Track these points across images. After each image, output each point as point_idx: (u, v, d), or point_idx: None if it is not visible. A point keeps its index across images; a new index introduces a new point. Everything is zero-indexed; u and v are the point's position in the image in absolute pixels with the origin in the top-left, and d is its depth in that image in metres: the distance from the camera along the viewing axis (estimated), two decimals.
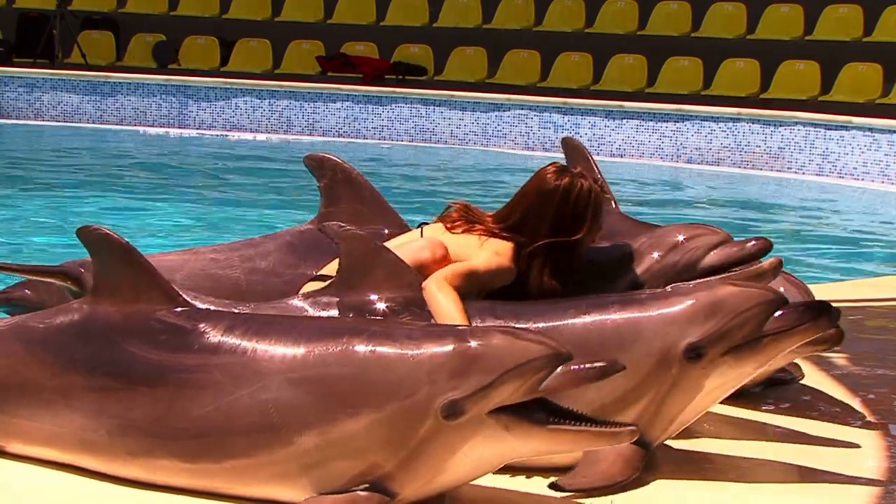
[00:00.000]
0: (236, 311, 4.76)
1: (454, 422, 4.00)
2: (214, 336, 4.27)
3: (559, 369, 3.99)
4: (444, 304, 4.60)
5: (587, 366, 4.00)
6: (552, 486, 4.47)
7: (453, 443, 4.03)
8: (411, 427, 4.03)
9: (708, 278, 5.06)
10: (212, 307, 4.78)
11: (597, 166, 6.07)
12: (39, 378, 4.46)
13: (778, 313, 4.51)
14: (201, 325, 4.31)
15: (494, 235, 4.97)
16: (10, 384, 4.51)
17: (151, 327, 4.36)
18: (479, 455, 4.06)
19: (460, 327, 4.25)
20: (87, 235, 4.46)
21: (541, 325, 4.61)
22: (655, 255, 5.22)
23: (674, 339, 4.52)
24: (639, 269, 5.21)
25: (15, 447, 4.58)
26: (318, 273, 5.08)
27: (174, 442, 4.25)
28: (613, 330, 4.57)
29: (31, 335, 4.54)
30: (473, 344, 4.05)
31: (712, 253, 5.18)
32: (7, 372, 4.53)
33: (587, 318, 4.61)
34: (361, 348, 4.12)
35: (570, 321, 4.62)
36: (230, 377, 4.19)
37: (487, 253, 4.91)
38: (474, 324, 4.58)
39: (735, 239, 5.27)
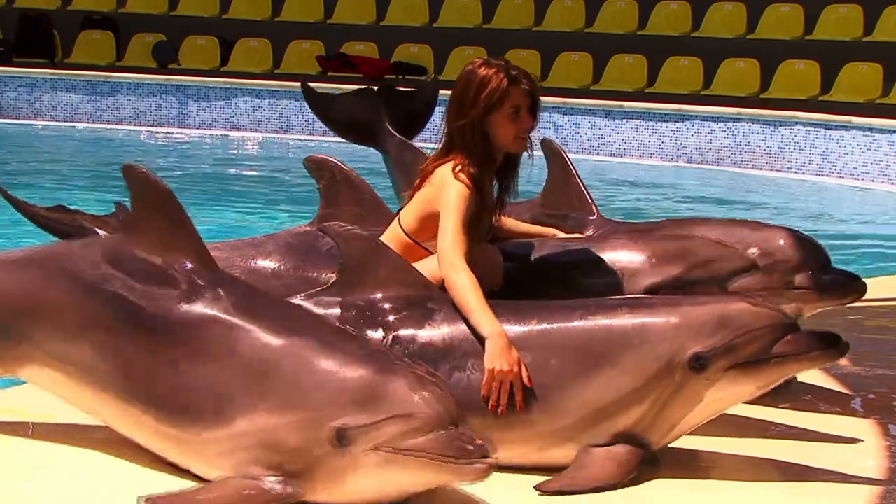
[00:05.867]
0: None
1: (341, 449, 4.03)
2: (226, 303, 4.28)
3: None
4: (462, 291, 4.66)
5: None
6: (537, 487, 4.47)
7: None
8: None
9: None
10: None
11: (577, 172, 6.08)
12: (56, 306, 4.48)
13: (787, 337, 4.53)
14: (220, 290, 4.32)
15: (436, 167, 5.04)
16: (29, 309, 4.53)
17: (168, 277, 4.37)
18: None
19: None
20: (131, 174, 4.44)
21: (547, 324, 4.63)
22: (682, 266, 5.24)
23: (680, 346, 4.54)
24: (661, 276, 5.23)
25: (25, 373, 4.63)
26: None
27: (161, 400, 4.28)
28: (621, 330, 4.59)
29: (54, 263, 4.57)
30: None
31: (737, 279, 5.22)
32: (26, 296, 4.55)
33: (595, 318, 4.63)
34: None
35: (578, 321, 4.63)
36: (219, 346, 4.22)
37: (442, 192, 4.93)
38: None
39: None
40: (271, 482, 4.10)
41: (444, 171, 5.01)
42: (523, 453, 4.60)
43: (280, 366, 4.16)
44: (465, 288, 4.68)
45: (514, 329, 4.62)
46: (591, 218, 5.86)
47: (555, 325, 4.64)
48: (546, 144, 6.14)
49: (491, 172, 5.11)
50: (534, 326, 4.64)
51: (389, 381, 4.06)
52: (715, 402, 4.61)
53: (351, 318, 4.72)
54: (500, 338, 4.57)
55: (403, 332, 4.67)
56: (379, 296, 4.72)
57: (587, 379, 4.55)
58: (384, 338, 4.66)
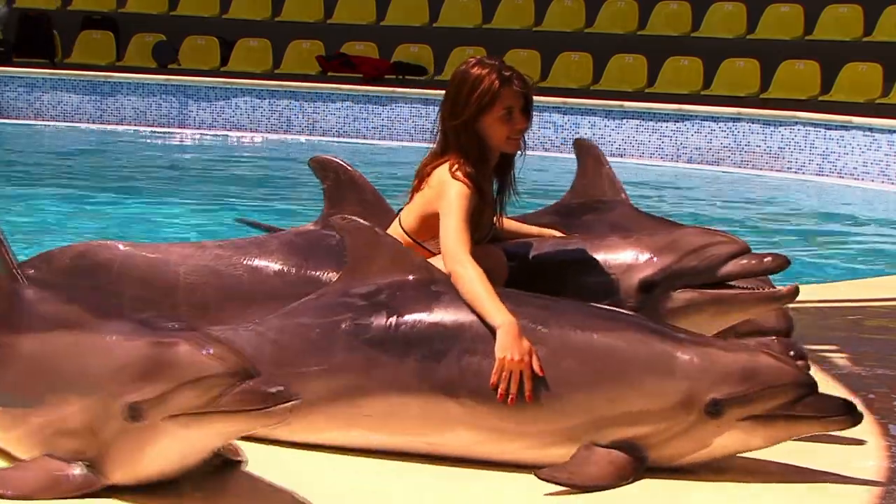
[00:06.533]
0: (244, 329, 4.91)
1: (137, 423, 4.14)
2: (32, 320, 4.50)
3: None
4: (469, 283, 4.70)
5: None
6: (536, 473, 4.51)
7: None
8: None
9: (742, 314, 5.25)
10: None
11: (609, 168, 6.11)
12: None
13: (806, 398, 4.59)
14: (30, 309, 4.55)
15: (433, 170, 5.07)
16: None
17: None
18: (723, 447, 4.58)
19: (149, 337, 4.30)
20: None
21: (575, 333, 4.66)
22: (674, 255, 5.25)
23: (702, 388, 4.57)
24: (655, 268, 5.24)
25: None
26: None
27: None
28: (648, 355, 4.63)
29: None
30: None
31: (731, 263, 5.21)
32: None
33: (622, 332, 4.67)
34: None
35: (606, 334, 4.67)
36: (20, 355, 4.44)
37: (442, 193, 4.97)
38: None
39: (748, 245, 5.30)
40: (77, 467, 4.24)
41: (442, 172, 5.03)
42: (524, 447, 4.63)
43: (63, 359, 4.34)
44: (474, 280, 4.70)
45: (536, 323, 4.65)
46: (621, 207, 5.92)
47: (577, 330, 4.67)
48: (579, 143, 6.23)
49: (487, 171, 5.13)
50: (555, 325, 4.67)
51: (172, 350, 4.14)
52: (722, 448, 4.65)
53: (357, 306, 4.79)
54: (512, 327, 4.58)
55: (409, 317, 4.72)
56: (383, 282, 4.82)
57: (602, 387, 4.59)
58: (389, 322, 4.72)
